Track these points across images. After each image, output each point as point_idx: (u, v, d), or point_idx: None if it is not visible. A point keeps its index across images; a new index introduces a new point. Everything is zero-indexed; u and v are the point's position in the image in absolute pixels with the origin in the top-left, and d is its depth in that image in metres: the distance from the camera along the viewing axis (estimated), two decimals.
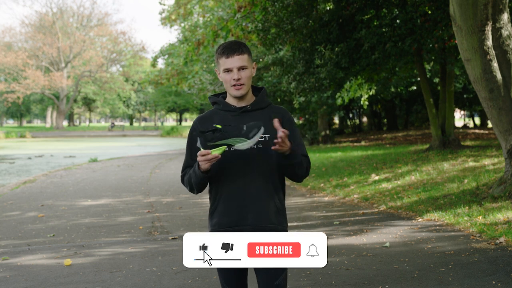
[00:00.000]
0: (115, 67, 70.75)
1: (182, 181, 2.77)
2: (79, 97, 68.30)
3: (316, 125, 25.57)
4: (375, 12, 12.39)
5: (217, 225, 2.65)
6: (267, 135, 2.64)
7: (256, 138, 2.49)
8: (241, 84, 2.64)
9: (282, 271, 2.63)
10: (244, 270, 2.71)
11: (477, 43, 7.41)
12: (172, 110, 74.96)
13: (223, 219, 2.63)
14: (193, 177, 2.62)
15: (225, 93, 2.80)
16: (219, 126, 2.55)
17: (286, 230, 2.71)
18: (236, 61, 2.63)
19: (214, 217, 2.67)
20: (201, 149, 2.51)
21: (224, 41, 15.63)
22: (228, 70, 2.65)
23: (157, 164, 18.72)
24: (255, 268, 2.63)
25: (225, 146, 2.50)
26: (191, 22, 22.50)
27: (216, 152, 2.47)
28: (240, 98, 2.68)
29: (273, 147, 2.49)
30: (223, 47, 2.67)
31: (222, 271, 2.71)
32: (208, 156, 2.47)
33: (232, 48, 2.65)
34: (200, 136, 2.57)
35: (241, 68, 2.64)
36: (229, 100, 2.74)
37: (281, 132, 2.46)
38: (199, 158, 2.50)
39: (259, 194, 2.62)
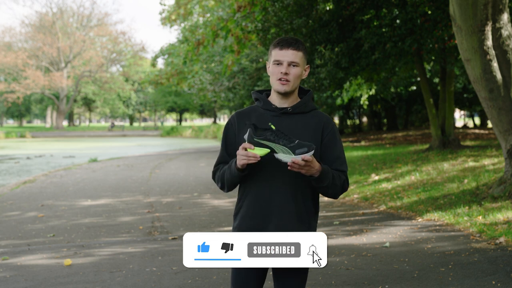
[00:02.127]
0: (115, 67, 70.79)
1: (213, 176, 2.64)
2: (79, 97, 68.31)
3: None
4: (375, 12, 12.39)
5: (238, 228, 2.54)
6: (306, 143, 2.49)
7: (301, 157, 2.33)
8: (287, 80, 2.47)
9: None
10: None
11: (477, 43, 7.41)
12: (172, 110, 74.96)
13: (245, 223, 2.51)
14: (227, 174, 2.49)
15: (270, 90, 2.64)
16: (273, 127, 2.37)
17: None
18: (289, 55, 2.47)
19: (237, 219, 2.56)
20: (246, 141, 2.39)
21: (224, 41, 15.63)
22: (278, 63, 2.48)
23: (157, 164, 18.72)
24: (274, 284, 2.55)
25: (269, 150, 2.36)
26: (191, 22, 22.50)
27: (258, 152, 2.35)
28: (283, 96, 2.52)
29: (288, 167, 2.35)
30: (280, 39, 2.52)
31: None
32: (249, 152, 2.33)
33: (288, 42, 2.49)
34: (251, 128, 2.38)
35: (292, 64, 2.47)
36: (272, 98, 2.58)
37: (299, 158, 2.32)
38: (239, 151, 2.36)
39: (285, 201, 2.48)
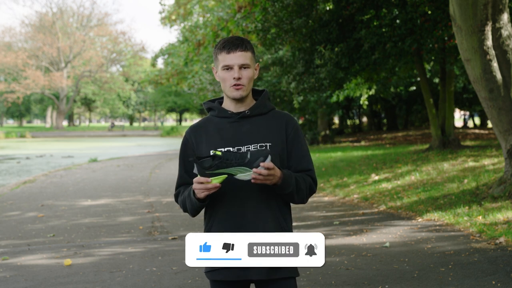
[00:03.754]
0: (115, 67, 70.81)
1: (176, 200, 2.47)
2: (79, 97, 68.34)
3: (316, 125, 25.60)
4: (375, 12, 12.39)
5: None
6: (268, 144, 2.34)
7: (262, 165, 2.16)
8: (241, 85, 2.32)
9: None
10: None
11: (477, 43, 7.41)
12: (172, 110, 74.97)
13: None
14: (189, 203, 2.33)
15: (222, 98, 2.49)
16: (218, 153, 2.18)
17: None
18: (238, 57, 2.31)
19: None
20: (198, 175, 2.21)
21: None
22: (227, 68, 2.33)
23: (157, 164, 18.72)
24: None
25: (226, 176, 2.20)
26: (191, 22, 22.49)
27: (216, 181, 2.19)
28: (238, 101, 2.37)
29: (252, 180, 2.17)
30: (224, 42, 2.35)
31: None
32: (207, 185, 2.18)
33: (234, 43, 2.33)
34: (196, 162, 2.20)
35: (242, 67, 2.32)
36: (226, 104, 2.42)
37: (261, 168, 2.14)
38: (195, 186, 2.20)
39: (259, 213, 2.32)
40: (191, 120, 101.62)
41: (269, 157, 2.19)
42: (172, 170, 16.26)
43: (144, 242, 6.55)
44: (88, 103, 72.44)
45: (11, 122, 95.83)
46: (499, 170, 9.34)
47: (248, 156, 2.18)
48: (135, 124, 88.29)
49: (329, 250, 5.73)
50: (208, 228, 2.39)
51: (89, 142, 42.72)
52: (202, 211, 2.43)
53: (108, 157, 24.01)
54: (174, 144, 38.14)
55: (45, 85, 59.12)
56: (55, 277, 5.07)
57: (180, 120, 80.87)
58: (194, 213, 2.37)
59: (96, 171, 16.15)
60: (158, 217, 8.36)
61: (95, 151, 29.84)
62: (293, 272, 2.37)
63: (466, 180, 9.01)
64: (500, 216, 6.54)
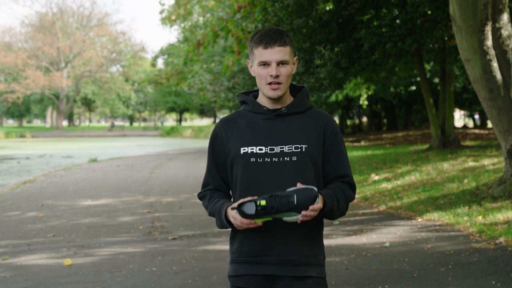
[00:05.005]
0: (115, 67, 70.81)
1: (200, 198, 2.34)
2: (78, 97, 68.34)
3: None
4: (375, 12, 12.40)
5: (237, 253, 2.23)
6: (303, 146, 2.18)
7: (311, 208, 2.07)
8: (278, 83, 2.16)
9: None
10: None
11: (477, 43, 7.41)
12: (172, 110, 74.97)
13: (244, 247, 2.21)
14: (217, 221, 2.22)
15: (257, 91, 2.33)
16: (263, 203, 2.04)
17: (322, 265, 2.24)
18: (276, 53, 2.14)
19: (234, 244, 2.25)
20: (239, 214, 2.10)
21: (224, 41, 15.62)
22: (264, 64, 2.16)
23: (157, 164, 18.71)
24: None
25: (271, 218, 2.10)
26: (191, 22, 22.50)
27: (259, 221, 2.10)
28: (275, 99, 2.21)
29: (298, 221, 2.07)
30: (262, 34, 2.17)
31: None
32: (250, 225, 2.09)
33: (272, 37, 2.15)
34: (238, 210, 2.09)
35: (281, 63, 2.15)
36: (261, 99, 2.26)
37: (310, 211, 2.05)
38: (235, 222, 2.10)
39: (291, 229, 2.17)
40: (191, 120, 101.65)
41: (318, 199, 2.08)
42: (172, 170, 16.26)
43: (144, 242, 6.55)
44: (88, 103, 72.42)
45: (11, 122, 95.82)
46: (499, 170, 9.34)
47: (295, 201, 2.05)
48: (135, 124, 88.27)
49: (329, 250, 5.73)
50: (235, 233, 2.27)
51: (89, 142, 42.72)
52: None
53: (108, 157, 24.01)
54: (174, 144, 38.14)
55: (45, 85, 59.12)
56: (55, 277, 5.07)
57: (180, 120, 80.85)
58: (221, 228, 2.27)
59: (96, 171, 16.14)
60: (158, 217, 8.35)
61: (95, 151, 29.84)
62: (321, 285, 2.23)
63: (466, 180, 9.01)
64: (500, 216, 6.54)
